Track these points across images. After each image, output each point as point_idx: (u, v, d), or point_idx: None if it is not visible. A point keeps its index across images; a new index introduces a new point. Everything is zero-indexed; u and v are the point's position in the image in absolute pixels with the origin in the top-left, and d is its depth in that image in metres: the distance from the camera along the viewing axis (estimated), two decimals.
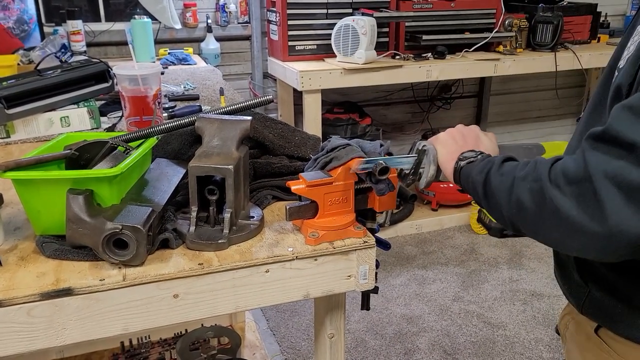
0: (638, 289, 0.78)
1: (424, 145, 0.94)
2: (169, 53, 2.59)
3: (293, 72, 2.62)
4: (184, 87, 1.92)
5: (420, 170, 0.93)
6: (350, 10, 2.76)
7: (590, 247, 0.63)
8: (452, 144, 0.92)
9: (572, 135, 0.94)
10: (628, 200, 0.58)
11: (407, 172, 0.93)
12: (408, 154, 0.95)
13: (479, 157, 0.85)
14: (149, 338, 1.87)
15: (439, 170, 0.93)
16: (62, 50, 2.13)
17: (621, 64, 0.76)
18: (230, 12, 3.04)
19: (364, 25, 2.57)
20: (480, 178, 0.79)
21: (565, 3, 3.31)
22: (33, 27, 2.44)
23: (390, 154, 0.97)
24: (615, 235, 0.59)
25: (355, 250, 0.91)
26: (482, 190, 0.79)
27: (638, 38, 0.73)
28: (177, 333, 1.90)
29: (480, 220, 0.97)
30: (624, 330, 0.81)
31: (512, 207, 0.71)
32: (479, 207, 0.96)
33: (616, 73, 0.77)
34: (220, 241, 0.87)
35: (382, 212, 0.99)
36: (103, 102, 1.65)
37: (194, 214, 0.89)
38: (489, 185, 0.77)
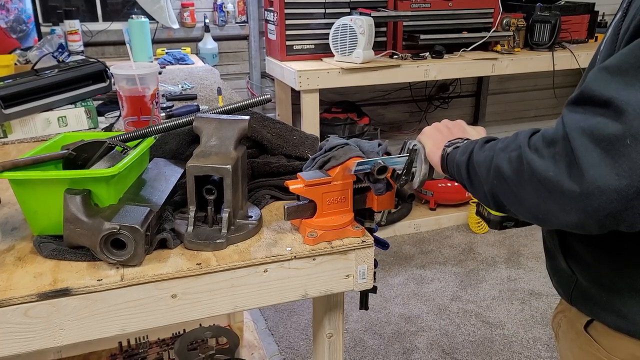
0: (620, 275, 0.77)
1: (414, 145, 0.93)
2: (166, 53, 2.58)
3: (291, 71, 2.62)
4: (182, 87, 1.92)
5: (413, 169, 0.93)
6: (348, 10, 2.76)
7: (569, 209, 0.61)
8: (437, 135, 0.92)
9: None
10: (605, 154, 0.58)
11: (399, 172, 0.92)
12: (400, 154, 0.94)
13: (465, 142, 0.85)
14: (147, 338, 1.86)
15: (431, 168, 0.93)
16: (60, 50, 2.13)
17: (600, 48, 0.77)
18: (227, 11, 3.03)
19: (361, 24, 2.57)
20: (464, 158, 0.79)
21: (562, 2, 3.32)
22: (31, 27, 2.43)
23: (388, 153, 0.97)
24: (593, 192, 0.58)
25: (354, 249, 0.91)
26: (466, 171, 0.78)
27: (615, 21, 0.73)
28: (175, 333, 1.90)
29: (479, 213, 0.96)
30: (611, 321, 0.81)
31: (492, 179, 0.71)
32: (477, 201, 0.96)
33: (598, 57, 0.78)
34: (218, 241, 0.87)
35: (380, 212, 0.99)
36: (100, 102, 1.65)
37: (192, 214, 0.89)
38: (471, 164, 0.76)
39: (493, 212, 0.95)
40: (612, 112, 0.58)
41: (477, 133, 0.93)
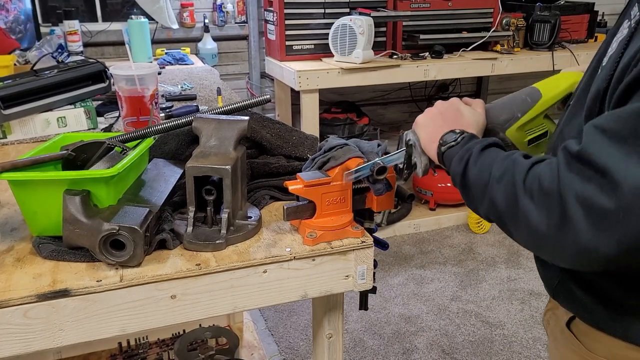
0: (601, 275, 0.77)
1: (409, 139, 0.91)
2: (166, 53, 2.58)
3: (290, 71, 2.62)
4: (181, 87, 1.91)
5: (413, 161, 0.91)
6: (347, 10, 2.76)
7: (560, 257, 0.64)
8: (430, 125, 0.88)
9: (558, 120, 0.93)
10: (596, 224, 0.59)
11: (401, 166, 0.92)
12: (398, 148, 0.94)
13: (460, 139, 0.81)
14: (147, 339, 1.86)
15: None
16: (59, 50, 2.13)
17: (605, 61, 0.76)
18: (227, 12, 3.03)
19: (361, 24, 2.57)
20: (459, 169, 0.78)
21: (562, 2, 3.32)
22: (30, 27, 2.43)
23: (387, 153, 0.97)
24: (583, 252, 0.61)
25: (353, 250, 0.91)
26: (460, 182, 0.78)
27: (621, 36, 0.73)
28: (175, 334, 1.90)
29: None
30: (590, 319, 0.82)
31: (487, 207, 0.72)
32: None
33: (599, 71, 0.77)
34: (217, 241, 0.87)
35: (379, 212, 0.99)
36: (100, 102, 1.65)
37: (191, 215, 0.89)
38: (466, 178, 0.77)
39: None
40: (607, 183, 0.58)
41: (472, 113, 0.89)
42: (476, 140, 0.80)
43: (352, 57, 2.64)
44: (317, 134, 2.67)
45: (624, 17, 0.79)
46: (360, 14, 2.67)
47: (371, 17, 2.62)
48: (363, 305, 1.04)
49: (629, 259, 0.60)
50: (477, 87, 3.74)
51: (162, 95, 1.77)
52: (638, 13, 0.71)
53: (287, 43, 2.73)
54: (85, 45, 2.66)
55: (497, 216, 0.71)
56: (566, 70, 1.03)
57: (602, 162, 0.58)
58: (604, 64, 0.75)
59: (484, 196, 0.73)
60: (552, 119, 1.00)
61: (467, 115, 0.88)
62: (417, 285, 2.67)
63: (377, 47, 2.77)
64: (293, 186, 0.90)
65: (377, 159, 0.90)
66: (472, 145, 0.79)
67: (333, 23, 2.66)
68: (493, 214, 0.72)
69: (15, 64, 1.92)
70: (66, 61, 1.92)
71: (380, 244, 0.98)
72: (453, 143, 0.82)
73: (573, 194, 0.60)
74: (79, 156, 0.94)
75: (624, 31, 0.73)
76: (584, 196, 0.59)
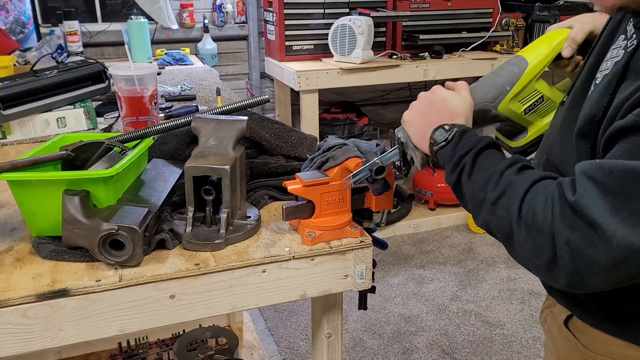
0: None
1: (399, 137, 0.90)
2: (165, 53, 2.58)
3: (290, 72, 2.62)
4: (181, 88, 1.92)
5: (409, 156, 0.90)
6: (347, 10, 2.76)
7: (552, 284, 0.68)
8: (419, 121, 0.85)
9: (554, 117, 0.91)
10: (584, 270, 0.63)
11: (398, 164, 0.92)
12: (391, 147, 0.93)
13: (450, 137, 0.79)
14: (147, 339, 1.87)
15: None
16: (59, 50, 2.13)
17: (598, 78, 0.76)
18: (227, 12, 3.04)
19: (361, 25, 2.57)
20: (451, 179, 0.78)
21: (561, 2, 3.32)
22: (31, 28, 2.43)
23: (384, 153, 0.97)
24: (573, 286, 0.66)
25: (352, 249, 0.91)
26: (455, 192, 0.79)
27: (617, 57, 0.73)
28: (175, 334, 1.90)
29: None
30: (588, 317, 0.83)
31: (481, 224, 0.75)
32: (495, 135, 0.97)
33: (592, 87, 0.77)
34: (216, 241, 0.87)
35: (378, 212, 0.99)
36: (99, 102, 1.65)
37: (190, 214, 0.89)
38: (461, 191, 0.77)
39: (513, 144, 0.95)
40: (597, 237, 0.61)
41: (458, 98, 0.86)
42: (467, 141, 0.78)
43: (351, 57, 2.64)
44: (316, 134, 2.67)
45: (618, 28, 0.78)
46: (360, 14, 2.67)
47: (371, 17, 2.62)
48: (362, 304, 1.04)
49: (619, 285, 0.65)
50: None
51: (162, 96, 1.78)
52: (635, 39, 0.71)
53: (287, 43, 2.73)
54: (85, 45, 2.66)
55: (491, 234, 0.74)
56: (551, 28, 1.00)
57: (594, 217, 0.61)
58: (597, 82, 0.75)
59: (478, 213, 0.74)
60: (546, 82, 0.98)
61: (453, 102, 0.85)
62: (416, 285, 2.67)
63: (377, 47, 2.77)
64: (292, 186, 0.90)
65: (375, 159, 0.90)
66: (464, 150, 0.77)
67: (333, 23, 2.66)
68: (488, 231, 0.74)
69: (15, 65, 1.92)
70: (66, 62, 1.92)
71: (379, 244, 0.98)
72: (443, 143, 0.80)
73: (564, 240, 0.63)
74: (79, 156, 0.94)
75: (619, 51, 0.73)
76: (575, 244, 0.62)
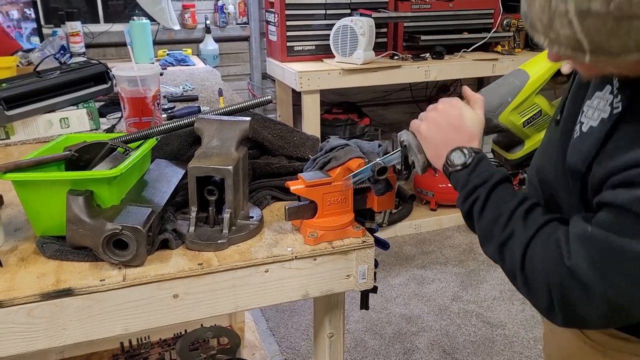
0: None
1: (402, 140, 0.90)
2: (167, 54, 2.59)
3: (292, 72, 2.63)
4: (183, 88, 1.92)
5: (411, 160, 0.91)
6: (348, 11, 2.77)
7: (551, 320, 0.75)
8: (436, 137, 0.86)
9: (546, 133, 0.92)
10: (575, 323, 0.74)
11: (399, 167, 0.92)
12: (393, 149, 0.93)
13: (468, 163, 0.82)
14: (149, 339, 1.87)
15: None
16: (61, 51, 2.14)
17: (584, 122, 0.77)
18: (228, 13, 3.04)
19: (362, 25, 2.57)
20: (464, 207, 0.83)
21: None
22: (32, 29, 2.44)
23: (387, 154, 0.97)
24: (569, 325, 0.75)
25: (354, 250, 0.91)
26: (465, 219, 0.84)
27: (602, 110, 0.74)
28: (177, 333, 1.91)
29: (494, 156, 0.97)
30: None
31: (489, 256, 0.81)
32: (492, 148, 0.99)
33: (577, 131, 0.78)
34: (219, 241, 0.88)
35: (380, 212, 0.99)
36: (102, 103, 1.66)
37: (193, 215, 0.90)
38: (471, 221, 0.83)
39: (510, 156, 0.96)
40: (588, 297, 0.68)
41: (473, 117, 0.87)
42: (483, 171, 0.81)
43: (353, 58, 2.64)
44: (318, 134, 2.68)
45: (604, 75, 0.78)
46: (361, 15, 2.68)
47: (372, 18, 2.63)
48: (364, 304, 1.04)
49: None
50: (478, 88, 3.74)
51: (164, 96, 1.78)
52: (620, 101, 0.72)
53: (288, 44, 2.74)
54: (88, 46, 2.67)
55: (499, 265, 0.80)
56: None
57: (585, 280, 0.67)
58: (583, 129, 0.76)
59: (487, 247, 0.80)
60: (544, 97, 1.00)
61: (470, 121, 0.86)
62: (418, 286, 2.67)
63: (378, 48, 2.78)
64: (294, 186, 0.91)
65: (377, 159, 0.91)
66: (479, 180, 0.80)
67: (334, 24, 2.67)
68: (494, 261, 0.80)
69: (18, 65, 1.93)
70: (68, 62, 1.93)
71: (381, 244, 0.99)
72: (459, 167, 0.82)
73: (560, 294, 0.70)
74: (82, 157, 0.95)
75: (606, 106, 0.73)
76: (568, 301, 0.70)
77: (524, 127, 0.98)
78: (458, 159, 0.82)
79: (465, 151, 0.82)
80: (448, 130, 0.85)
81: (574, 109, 0.81)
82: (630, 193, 0.64)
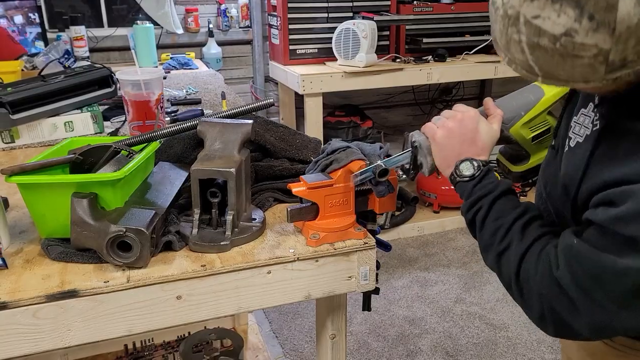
0: None
1: (414, 141, 0.92)
2: (171, 58, 2.60)
3: (294, 75, 2.64)
4: (186, 92, 1.93)
5: (419, 161, 0.93)
6: (350, 14, 2.78)
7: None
8: (449, 145, 0.89)
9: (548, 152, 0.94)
10: (566, 334, 0.75)
11: (407, 167, 0.94)
12: (403, 148, 0.95)
13: (476, 174, 0.85)
14: (153, 341, 1.88)
15: None
16: (66, 56, 2.15)
17: (572, 138, 0.80)
18: (231, 16, 3.06)
19: (364, 28, 2.58)
20: (468, 216, 0.85)
21: None
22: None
23: (389, 156, 0.98)
24: (559, 338, 0.79)
25: (356, 251, 0.92)
26: (469, 227, 0.87)
27: (586, 127, 0.77)
28: (180, 335, 1.91)
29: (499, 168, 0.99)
30: None
31: (489, 266, 0.84)
32: (497, 159, 1.01)
33: (566, 147, 0.81)
34: (222, 243, 0.88)
35: (382, 214, 1.00)
36: (106, 106, 1.67)
37: (196, 217, 0.90)
38: (474, 230, 0.85)
39: (514, 168, 0.97)
40: (575, 310, 0.70)
41: (488, 133, 0.90)
42: (488, 183, 0.84)
43: (355, 60, 2.65)
44: (321, 137, 2.69)
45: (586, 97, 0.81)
46: (364, 18, 2.69)
47: (374, 21, 2.63)
48: (366, 306, 1.05)
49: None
50: (481, 90, 3.75)
51: (168, 100, 1.79)
52: (598, 119, 0.75)
53: (291, 47, 2.75)
54: (92, 50, 2.69)
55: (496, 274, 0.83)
56: None
57: (571, 293, 0.69)
58: (571, 144, 0.80)
59: (487, 256, 0.83)
60: (554, 115, 1.02)
61: (485, 136, 0.89)
62: (421, 288, 2.67)
63: (380, 50, 2.79)
64: (296, 188, 0.92)
65: (379, 161, 0.91)
66: (483, 192, 0.83)
67: (336, 27, 2.68)
68: (494, 271, 0.83)
69: (22, 70, 1.94)
70: (73, 66, 1.94)
71: (383, 245, 0.99)
72: (467, 179, 0.85)
73: (549, 306, 0.73)
74: (86, 160, 0.96)
75: (588, 123, 0.77)
76: (557, 311, 0.72)
77: (532, 141, 0.99)
78: (467, 170, 0.86)
79: (475, 163, 0.86)
80: (462, 142, 0.88)
81: (566, 123, 0.84)
82: (609, 212, 0.66)
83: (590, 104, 0.78)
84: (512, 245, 0.78)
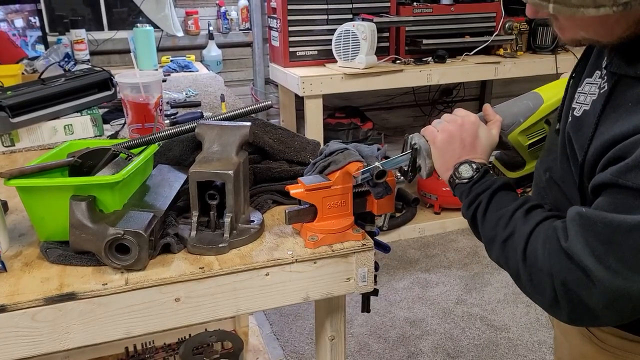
0: None
1: (414, 144, 0.93)
2: (171, 60, 2.61)
3: (294, 77, 2.64)
4: (186, 94, 1.94)
5: (418, 164, 0.93)
6: (350, 16, 2.78)
7: (554, 317, 0.75)
8: (448, 149, 0.90)
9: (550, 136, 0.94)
10: (579, 310, 0.70)
11: (406, 169, 0.94)
12: (402, 151, 0.96)
13: (474, 176, 0.85)
14: (153, 343, 1.88)
15: None
16: (66, 59, 2.16)
17: (576, 107, 0.80)
18: (231, 19, 3.06)
19: (364, 30, 2.59)
20: (467, 213, 0.85)
21: None
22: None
23: (387, 157, 0.98)
24: (572, 322, 0.73)
25: (354, 253, 0.92)
26: (469, 224, 0.86)
27: (594, 93, 0.77)
28: (181, 338, 1.91)
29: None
30: None
31: (495, 260, 0.82)
32: (492, 163, 1.01)
33: (569, 118, 0.81)
34: (220, 245, 0.88)
35: (380, 215, 1.00)
36: (106, 109, 1.67)
37: (194, 219, 0.91)
38: (476, 226, 0.85)
39: (509, 174, 0.98)
40: (588, 280, 0.67)
41: (488, 138, 0.91)
42: (485, 180, 0.84)
43: (355, 62, 2.65)
44: (321, 139, 2.69)
45: (595, 63, 0.81)
46: (363, 19, 2.69)
47: (374, 22, 2.64)
48: (365, 307, 1.05)
49: (621, 321, 0.73)
50: (481, 91, 3.75)
51: (167, 102, 1.80)
52: (606, 81, 0.74)
53: (291, 49, 2.75)
54: (92, 53, 2.69)
55: (504, 268, 0.80)
56: (566, 75, 1.05)
57: (584, 263, 0.67)
58: (576, 113, 0.79)
59: (491, 249, 0.81)
60: (552, 123, 1.02)
61: (484, 141, 0.91)
62: (422, 289, 2.67)
63: (380, 52, 2.79)
64: (294, 190, 0.92)
65: (377, 163, 0.92)
66: (481, 188, 0.83)
67: (336, 29, 2.68)
68: (500, 266, 0.81)
69: (23, 73, 1.95)
70: (73, 70, 1.95)
71: (382, 247, 0.99)
72: (466, 180, 0.86)
73: (560, 281, 0.70)
74: (85, 163, 0.96)
75: (595, 88, 0.77)
76: (570, 285, 0.69)
77: (529, 149, 1.00)
78: (466, 172, 0.86)
79: (474, 165, 0.86)
80: (463, 147, 0.89)
81: (569, 105, 0.84)
82: (617, 167, 0.65)
83: (597, 72, 0.78)
84: (516, 231, 0.77)
